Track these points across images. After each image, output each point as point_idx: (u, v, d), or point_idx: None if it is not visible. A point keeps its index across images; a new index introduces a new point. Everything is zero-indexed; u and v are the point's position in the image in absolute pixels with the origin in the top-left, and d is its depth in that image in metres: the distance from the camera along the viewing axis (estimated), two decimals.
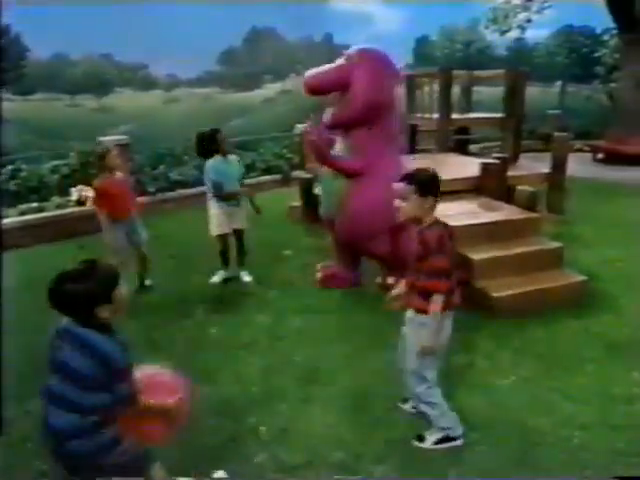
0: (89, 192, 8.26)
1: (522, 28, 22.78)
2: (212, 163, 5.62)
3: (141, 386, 2.34)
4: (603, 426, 3.36)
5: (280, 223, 8.08)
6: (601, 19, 18.79)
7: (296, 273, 6.13)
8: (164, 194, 9.53)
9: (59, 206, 8.37)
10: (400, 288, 3.25)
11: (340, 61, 5.06)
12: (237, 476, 3.02)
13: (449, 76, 9.16)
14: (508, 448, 3.18)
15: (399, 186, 3.01)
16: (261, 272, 6.13)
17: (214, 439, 3.29)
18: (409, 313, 3.16)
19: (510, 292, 4.89)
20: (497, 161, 6.84)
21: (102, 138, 9.17)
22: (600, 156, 14.20)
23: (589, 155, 14.22)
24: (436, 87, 9.33)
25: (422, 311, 3.01)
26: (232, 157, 5.83)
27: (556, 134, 8.89)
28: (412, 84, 10.02)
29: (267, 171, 11.63)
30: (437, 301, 2.93)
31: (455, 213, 5.44)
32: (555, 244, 5.54)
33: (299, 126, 12.18)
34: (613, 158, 13.51)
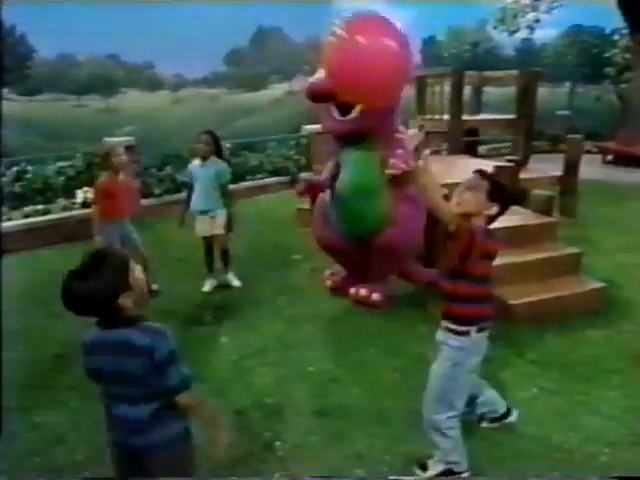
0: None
1: (531, 28, 22.55)
2: (189, 165, 5.78)
3: None
4: (633, 443, 3.21)
5: (288, 226, 7.96)
6: (611, 19, 18.68)
7: (306, 278, 6.01)
8: (171, 196, 9.42)
9: (65, 208, 8.28)
10: None
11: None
12: None
13: (461, 77, 9.03)
14: (533, 466, 3.04)
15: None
16: (270, 277, 6.02)
17: (228, 455, 3.14)
18: (441, 332, 2.88)
19: (528, 299, 4.76)
20: (510, 164, 6.70)
21: (108, 139, 9.06)
22: (610, 158, 14.00)
23: (598, 157, 13.95)
24: (447, 88, 9.21)
25: (461, 317, 2.77)
26: (213, 162, 5.58)
27: (569, 136, 8.73)
28: (422, 85, 9.91)
29: (274, 173, 11.50)
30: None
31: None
32: (573, 250, 5.41)
33: (306, 127, 12.08)
34: (623, 160, 13.30)
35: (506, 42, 37.86)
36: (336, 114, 4.72)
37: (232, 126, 30.30)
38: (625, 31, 16.71)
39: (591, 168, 11.70)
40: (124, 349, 2.04)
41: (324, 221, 5.30)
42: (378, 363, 4.19)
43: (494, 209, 2.75)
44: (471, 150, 10.56)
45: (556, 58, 40.77)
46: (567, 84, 37.31)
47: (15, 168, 8.79)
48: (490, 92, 14.83)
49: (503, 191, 2.79)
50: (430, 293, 4.49)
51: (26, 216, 7.94)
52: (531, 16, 22.04)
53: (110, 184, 5.24)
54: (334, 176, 5.06)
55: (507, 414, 3.29)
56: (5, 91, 50.28)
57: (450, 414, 2.83)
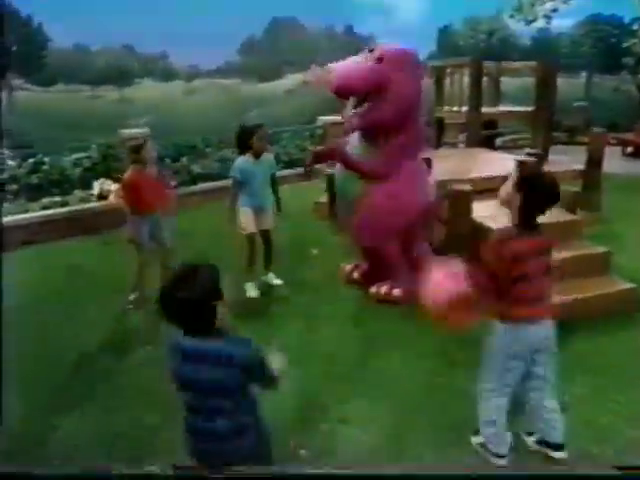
0: (111, 185, 8.12)
1: (548, 18, 22.17)
2: (239, 161, 5.41)
3: None
4: None
5: (306, 220, 7.80)
6: (630, 8, 18.31)
7: (326, 274, 5.90)
8: (187, 188, 9.36)
9: (82, 200, 8.24)
10: None
11: (368, 59, 4.67)
12: None
13: (480, 67, 8.84)
14: None
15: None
16: (290, 274, 5.91)
17: None
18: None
19: (557, 300, 4.61)
20: (533, 158, 6.56)
21: (124, 130, 9.00)
22: (630, 150, 13.75)
23: (617, 149, 13.63)
24: (465, 79, 9.04)
25: (502, 317, 2.89)
26: (265, 157, 5.50)
27: (592, 129, 8.54)
28: (440, 75, 9.75)
29: (289, 164, 11.37)
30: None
31: (493, 214, 5.18)
32: (601, 249, 5.27)
33: (322, 118, 11.96)
34: None
35: (522, 31, 37.41)
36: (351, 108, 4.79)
37: (246, 116, 30.19)
38: None
39: (611, 161, 11.44)
40: (221, 360, 2.12)
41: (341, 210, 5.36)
42: (406, 365, 4.10)
43: (517, 199, 2.80)
44: (489, 142, 10.40)
45: (573, 48, 40.21)
46: (583, 74, 36.79)
47: (31, 160, 8.79)
48: (506, 82, 14.63)
49: (526, 182, 2.82)
50: None
51: (44, 208, 7.90)
52: (549, 5, 21.68)
53: (139, 178, 5.11)
54: None
55: (557, 447, 3.08)
56: (21, 81, 50.79)
57: (487, 385, 2.99)
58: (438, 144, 9.38)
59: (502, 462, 2.99)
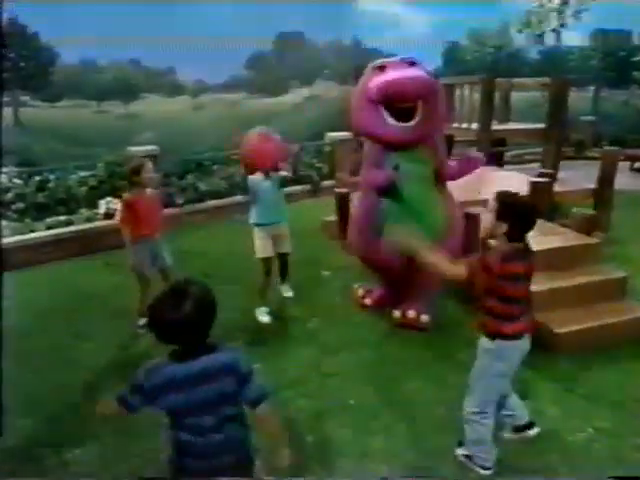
0: (117, 204, 8.02)
1: (557, 32, 22.18)
2: (250, 178, 5.31)
3: None
4: None
5: (315, 239, 7.64)
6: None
7: (338, 298, 5.77)
8: (193, 206, 9.27)
9: (88, 219, 8.15)
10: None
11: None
12: None
13: (492, 85, 8.76)
14: None
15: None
16: (301, 297, 5.79)
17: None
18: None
19: (574, 328, 4.49)
20: (546, 179, 6.44)
21: (132, 148, 8.95)
22: (637, 165, 13.57)
23: (625, 164, 13.44)
24: (475, 95, 8.95)
25: (491, 334, 2.98)
26: (278, 174, 5.35)
27: (605, 148, 8.41)
28: (450, 92, 9.66)
29: (296, 181, 11.23)
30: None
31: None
32: (619, 273, 5.14)
33: (330, 135, 11.87)
34: None
35: (530, 45, 37.37)
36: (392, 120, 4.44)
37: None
38: None
39: (618, 177, 11.27)
40: (215, 372, 2.10)
41: (370, 233, 4.94)
42: (421, 397, 3.96)
43: (503, 227, 2.89)
44: (498, 160, 10.28)
45: (581, 62, 40.06)
46: (591, 88, 36.67)
47: (37, 178, 8.72)
48: (512, 96, 14.51)
49: (510, 209, 2.91)
50: (468, 315, 4.28)
51: (49, 227, 7.81)
52: (557, 20, 21.70)
53: (139, 200, 4.99)
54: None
55: (529, 426, 3.37)
56: (27, 98, 51.07)
57: (475, 409, 3.08)
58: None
59: (488, 473, 3.12)
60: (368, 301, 5.43)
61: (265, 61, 67.38)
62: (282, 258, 5.67)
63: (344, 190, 7.73)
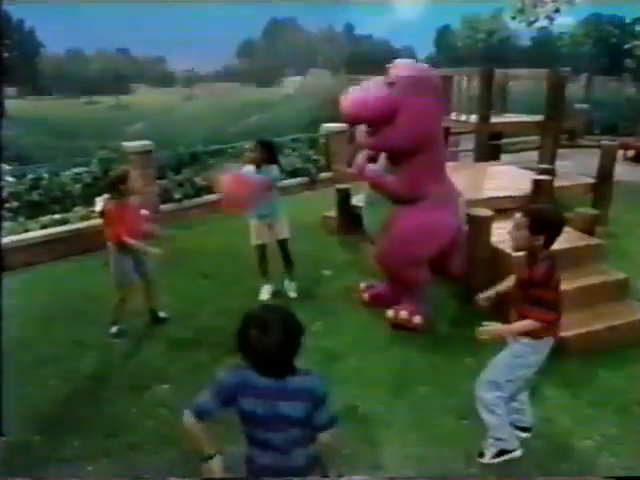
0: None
1: (550, 19, 22.00)
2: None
3: None
4: None
5: (314, 235, 7.52)
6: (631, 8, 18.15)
7: (340, 299, 5.69)
8: (191, 200, 9.18)
9: (83, 217, 8.02)
10: (494, 324, 3.21)
11: (382, 84, 4.53)
12: None
13: (490, 77, 8.66)
14: None
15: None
16: (302, 297, 5.73)
17: None
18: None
19: (579, 331, 4.46)
20: (548, 177, 6.40)
21: (126, 144, 8.80)
22: (630, 154, 13.53)
23: (619, 154, 13.42)
24: (473, 86, 8.85)
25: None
26: (269, 168, 5.40)
27: (603, 142, 8.36)
28: (447, 84, 9.54)
29: (293, 174, 11.12)
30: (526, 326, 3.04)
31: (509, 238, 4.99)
32: (621, 275, 5.12)
33: (325, 126, 11.77)
34: None
35: (522, 31, 37.23)
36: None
37: (245, 123, 29.97)
38: None
39: None
40: (297, 392, 2.16)
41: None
42: (430, 404, 3.91)
43: (540, 240, 3.02)
44: (494, 153, 10.23)
45: (573, 48, 39.95)
46: (583, 75, 36.64)
47: (30, 175, 8.54)
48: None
49: (545, 223, 3.05)
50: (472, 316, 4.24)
51: (43, 227, 7.67)
52: (551, 6, 21.51)
53: (121, 209, 4.86)
54: None
55: (526, 429, 3.49)
56: (13, 90, 50.26)
57: (497, 394, 3.19)
58: None
59: (519, 452, 3.29)
60: (365, 296, 5.51)
61: (257, 49, 66.87)
62: (281, 245, 5.76)
63: (344, 186, 7.66)
